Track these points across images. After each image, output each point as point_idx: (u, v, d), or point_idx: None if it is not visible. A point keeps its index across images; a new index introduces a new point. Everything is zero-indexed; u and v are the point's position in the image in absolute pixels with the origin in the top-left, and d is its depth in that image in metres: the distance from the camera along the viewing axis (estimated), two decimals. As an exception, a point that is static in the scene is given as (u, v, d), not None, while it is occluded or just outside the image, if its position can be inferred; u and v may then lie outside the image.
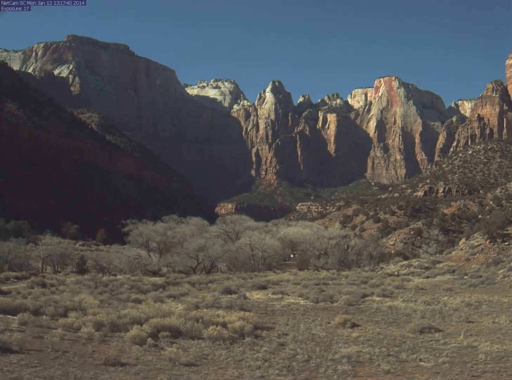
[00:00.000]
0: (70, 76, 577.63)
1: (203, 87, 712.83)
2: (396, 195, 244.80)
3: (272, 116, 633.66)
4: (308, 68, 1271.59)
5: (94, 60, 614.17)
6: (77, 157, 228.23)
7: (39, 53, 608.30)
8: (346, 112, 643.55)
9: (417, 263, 72.54)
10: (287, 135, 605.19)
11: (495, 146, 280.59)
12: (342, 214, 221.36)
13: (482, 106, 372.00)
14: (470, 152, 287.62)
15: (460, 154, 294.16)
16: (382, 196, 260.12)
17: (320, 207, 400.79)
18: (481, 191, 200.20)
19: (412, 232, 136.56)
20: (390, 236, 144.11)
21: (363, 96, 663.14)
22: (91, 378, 18.65)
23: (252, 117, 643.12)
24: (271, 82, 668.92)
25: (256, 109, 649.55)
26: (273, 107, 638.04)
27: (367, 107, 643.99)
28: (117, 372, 19.74)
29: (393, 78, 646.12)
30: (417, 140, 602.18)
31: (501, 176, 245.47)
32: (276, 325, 31.15)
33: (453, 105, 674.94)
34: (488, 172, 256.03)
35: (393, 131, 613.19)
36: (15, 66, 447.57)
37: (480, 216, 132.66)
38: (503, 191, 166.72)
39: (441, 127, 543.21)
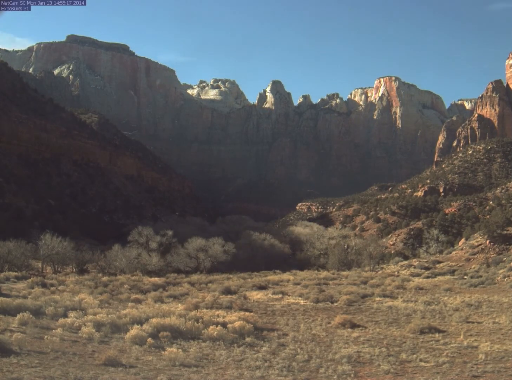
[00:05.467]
0: (70, 76, 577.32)
1: (203, 87, 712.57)
2: (396, 194, 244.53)
3: (272, 116, 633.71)
4: (308, 68, 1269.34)
5: (94, 60, 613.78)
6: (77, 157, 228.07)
7: (39, 53, 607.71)
8: (346, 112, 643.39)
9: (417, 263, 72.55)
10: (287, 135, 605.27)
11: (495, 146, 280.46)
12: (342, 214, 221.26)
13: (482, 106, 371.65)
14: (470, 152, 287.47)
15: (461, 154, 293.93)
16: (382, 196, 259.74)
17: (320, 207, 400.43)
18: (481, 191, 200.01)
19: (412, 232, 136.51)
20: (390, 236, 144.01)
21: (363, 96, 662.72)
22: (91, 378, 18.62)
23: (252, 117, 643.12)
24: (271, 82, 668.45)
25: (256, 109, 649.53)
26: (273, 107, 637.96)
27: (367, 107, 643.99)
28: (117, 372, 19.72)
29: (393, 78, 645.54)
30: (417, 140, 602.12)
31: (502, 176, 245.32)
32: (276, 325, 31.16)
33: (453, 105, 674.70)
34: (488, 173, 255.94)
35: (393, 131, 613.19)
36: (15, 66, 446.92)
37: (480, 216, 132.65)
38: (503, 190, 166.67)
39: (441, 127, 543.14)
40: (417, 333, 28.26)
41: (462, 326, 30.31)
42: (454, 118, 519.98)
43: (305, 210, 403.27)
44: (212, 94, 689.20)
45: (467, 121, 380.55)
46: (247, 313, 32.76)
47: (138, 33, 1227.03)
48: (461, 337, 27.07)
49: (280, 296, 45.40)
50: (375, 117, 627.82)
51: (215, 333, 26.14)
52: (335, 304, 40.26)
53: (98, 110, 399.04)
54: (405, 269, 69.98)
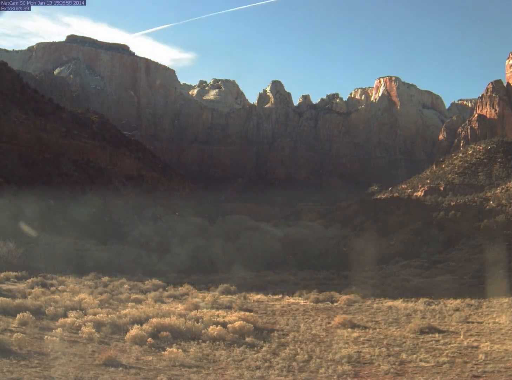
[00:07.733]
0: (70, 76, 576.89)
1: (203, 87, 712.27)
2: (396, 194, 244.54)
3: (272, 116, 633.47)
4: (308, 68, 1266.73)
5: (94, 60, 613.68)
6: (77, 157, 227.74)
7: (39, 53, 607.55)
8: (346, 112, 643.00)
9: (417, 263, 72.56)
10: (287, 135, 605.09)
11: (495, 146, 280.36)
12: (342, 214, 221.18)
13: (482, 106, 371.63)
14: (470, 152, 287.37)
15: (461, 154, 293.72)
16: (382, 196, 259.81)
17: (320, 207, 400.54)
18: (481, 191, 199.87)
19: (412, 232, 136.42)
20: (390, 236, 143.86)
21: (363, 96, 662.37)
22: (91, 378, 18.62)
23: (252, 117, 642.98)
24: (271, 82, 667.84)
25: (256, 109, 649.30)
26: (273, 107, 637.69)
27: (367, 107, 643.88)
28: (117, 372, 19.72)
29: (393, 78, 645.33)
30: (417, 140, 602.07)
31: (502, 176, 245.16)
32: (276, 325, 31.14)
33: (453, 105, 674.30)
34: (489, 172, 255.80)
35: (393, 131, 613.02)
36: (15, 66, 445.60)
37: (480, 216, 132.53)
38: (503, 190, 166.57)
39: (441, 127, 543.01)
40: (417, 333, 28.25)
41: (462, 326, 30.32)
42: (454, 118, 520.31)
43: (305, 210, 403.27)
44: (212, 94, 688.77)
45: (467, 121, 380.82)
46: (247, 313, 32.75)
47: (138, 33, 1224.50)
48: (461, 337, 27.06)
49: (280, 296, 45.40)
50: (375, 117, 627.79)
51: (215, 333, 26.13)
52: (335, 304, 40.26)
53: (98, 110, 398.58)
54: (405, 269, 69.98)
